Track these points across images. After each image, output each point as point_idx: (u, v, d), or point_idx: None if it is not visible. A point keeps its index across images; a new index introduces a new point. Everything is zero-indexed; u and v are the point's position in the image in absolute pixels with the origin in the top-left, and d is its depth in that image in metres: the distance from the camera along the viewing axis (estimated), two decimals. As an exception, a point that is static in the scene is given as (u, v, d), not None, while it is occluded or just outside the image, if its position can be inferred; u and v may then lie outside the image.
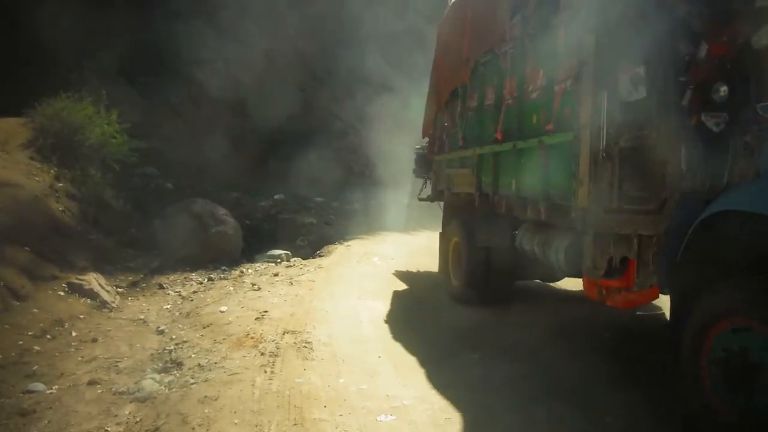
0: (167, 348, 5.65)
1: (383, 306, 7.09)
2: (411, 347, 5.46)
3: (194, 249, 9.91)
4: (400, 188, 17.03)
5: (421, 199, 9.78)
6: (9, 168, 8.64)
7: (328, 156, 16.30)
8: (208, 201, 11.14)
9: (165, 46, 14.57)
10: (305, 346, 5.28)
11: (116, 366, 5.22)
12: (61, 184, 9.28)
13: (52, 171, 9.39)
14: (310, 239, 12.77)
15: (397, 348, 5.48)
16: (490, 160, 6.31)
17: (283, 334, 5.66)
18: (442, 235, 8.19)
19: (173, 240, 9.89)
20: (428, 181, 9.46)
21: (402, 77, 17.35)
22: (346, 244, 11.83)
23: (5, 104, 10.07)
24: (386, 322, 6.37)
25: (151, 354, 5.57)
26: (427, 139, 9.48)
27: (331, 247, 11.49)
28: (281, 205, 14.70)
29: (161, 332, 6.27)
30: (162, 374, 4.95)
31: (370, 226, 13.87)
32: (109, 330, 6.28)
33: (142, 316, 6.91)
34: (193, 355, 5.27)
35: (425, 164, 9.44)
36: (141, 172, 12.65)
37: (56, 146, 9.80)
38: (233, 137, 15.72)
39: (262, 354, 5.08)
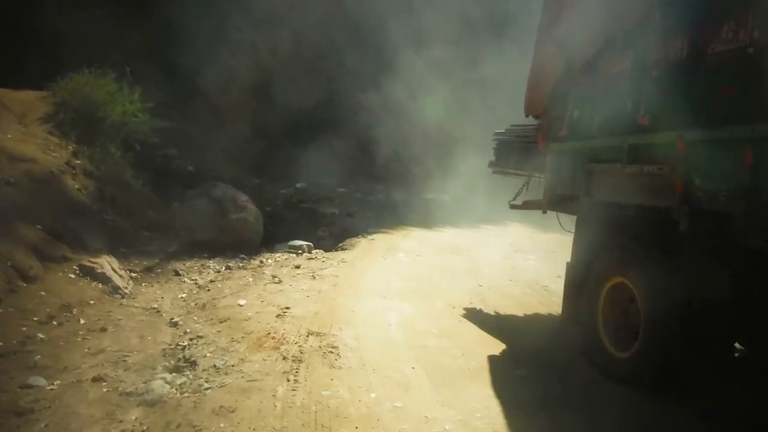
0: (180, 343, 5.21)
1: (411, 307, 6.59)
2: (444, 355, 4.98)
3: (213, 235, 9.47)
4: (424, 182, 16.62)
5: (514, 207, 7.23)
6: (25, 141, 8.26)
7: (352, 146, 15.86)
8: (229, 186, 10.69)
9: (193, 27, 14.16)
10: (331, 351, 4.81)
11: (124, 361, 4.79)
12: (78, 161, 8.88)
13: (70, 147, 8.99)
14: (332, 230, 12.32)
15: (431, 356, 4.99)
16: (737, 150, 3.53)
17: (307, 335, 5.19)
18: (573, 267, 5.59)
19: (192, 224, 9.47)
20: (527, 181, 7.28)
21: (432, 70, 16.87)
22: (369, 237, 11.35)
23: (27, 79, 9.70)
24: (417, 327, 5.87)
25: (163, 349, 5.13)
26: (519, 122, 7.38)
27: (354, 240, 11.02)
28: (303, 194, 14.25)
29: (175, 324, 5.84)
30: (174, 374, 4.51)
31: (394, 219, 13.41)
32: (120, 319, 5.85)
33: (156, 305, 6.48)
34: (208, 354, 4.83)
35: (518, 156, 7.14)
36: (162, 153, 12.25)
37: (76, 121, 9.40)
38: (257, 122, 15.32)
39: (285, 358, 4.62)
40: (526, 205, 6.99)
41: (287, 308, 6.05)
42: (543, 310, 7.04)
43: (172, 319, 5.98)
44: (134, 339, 5.35)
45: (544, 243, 12.72)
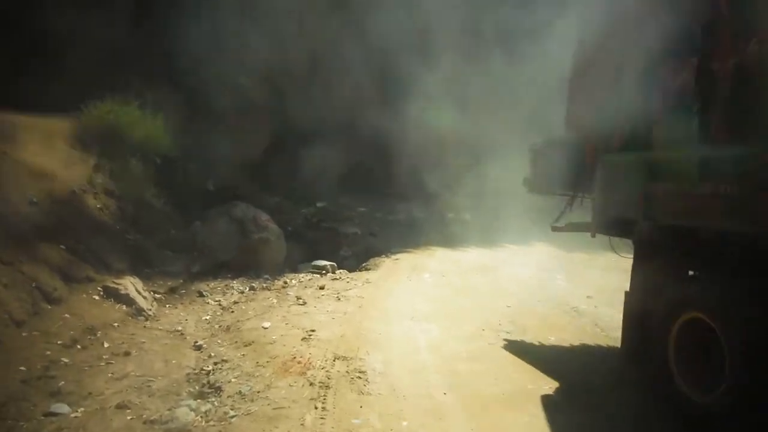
0: (205, 368, 5.10)
1: (439, 330, 6.42)
2: (477, 380, 4.79)
3: (235, 254, 9.41)
4: (445, 201, 16.44)
5: (557, 229, 6.64)
6: (46, 156, 8.21)
7: (372, 164, 15.78)
8: (250, 205, 10.65)
9: (206, 48, 14.22)
10: (360, 377, 4.66)
11: (149, 386, 4.68)
12: (99, 180, 8.84)
13: (91, 161, 8.97)
14: (355, 250, 12.19)
15: (463, 381, 4.81)
16: None
17: (334, 360, 5.05)
18: (634, 298, 5.03)
19: (214, 244, 9.42)
20: (571, 201, 6.43)
21: (451, 89, 16.75)
22: (393, 257, 11.20)
23: (51, 103, 9.73)
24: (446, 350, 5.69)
25: (188, 374, 5.02)
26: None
27: (377, 260, 10.87)
28: (324, 213, 14.17)
29: (199, 348, 5.74)
30: (198, 401, 4.39)
31: (416, 239, 13.26)
32: (144, 342, 5.76)
33: (180, 328, 6.39)
34: (233, 380, 4.70)
35: (559, 171, 6.31)
36: (183, 168, 12.22)
37: (99, 137, 9.43)
38: (276, 141, 15.28)
39: (311, 384, 4.48)
40: (571, 228, 6.39)
41: (313, 331, 5.91)
42: (573, 332, 6.81)
43: (196, 342, 5.88)
44: (158, 363, 5.26)
45: (570, 263, 12.48)
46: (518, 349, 5.90)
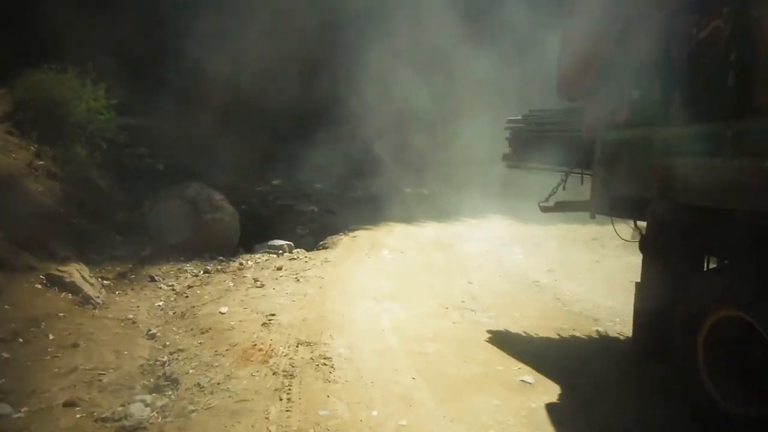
0: (160, 358, 4.83)
1: (403, 309, 6.29)
2: (445, 362, 4.68)
3: (188, 236, 9.04)
4: (402, 176, 16.30)
5: (547, 209, 6.10)
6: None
7: (327, 141, 15.48)
8: (204, 185, 10.25)
9: (159, 20, 13.55)
10: (325, 363, 4.48)
11: (99, 381, 4.40)
12: (41, 162, 8.34)
13: (31, 147, 8.44)
14: (312, 228, 11.94)
15: (431, 364, 4.69)
16: None
17: (297, 345, 4.85)
18: (648, 291, 4.25)
19: (166, 226, 9.01)
20: (565, 178, 5.95)
21: (407, 64, 16.50)
22: (351, 234, 11.00)
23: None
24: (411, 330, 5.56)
25: (141, 365, 4.75)
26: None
27: (335, 238, 10.66)
28: (279, 191, 13.83)
29: (153, 336, 5.45)
30: (154, 395, 4.14)
31: (374, 215, 13.07)
32: (92, 332, 5.43)
33: (131, 315, 6.06)
34: (191, 370, 4.46)
35: (543, 147, 5.97)
36: (131, 151, 11.69)
37: (37, 120, 8.83)
38: (229, 118, 14.78)
39: (275, 373, 4.27)
40: (563, 208, 5.95)
41: (273, 315, 5.69)
42: (536, 307, 6.79)
43: (150, 330, 5.59)
44: (109, 355, 4.96)
45: (527, 235, 12.54)
46: (483, 327, 5.82)
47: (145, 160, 11.94)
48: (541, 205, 6.03)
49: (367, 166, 16.54)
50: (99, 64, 10.09)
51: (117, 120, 10.04)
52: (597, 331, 5.90)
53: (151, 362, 4.78)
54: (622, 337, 5.66)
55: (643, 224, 4.58)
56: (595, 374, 4.56)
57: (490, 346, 5.20)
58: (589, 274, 8.85)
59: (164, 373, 4.48)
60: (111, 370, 4.60)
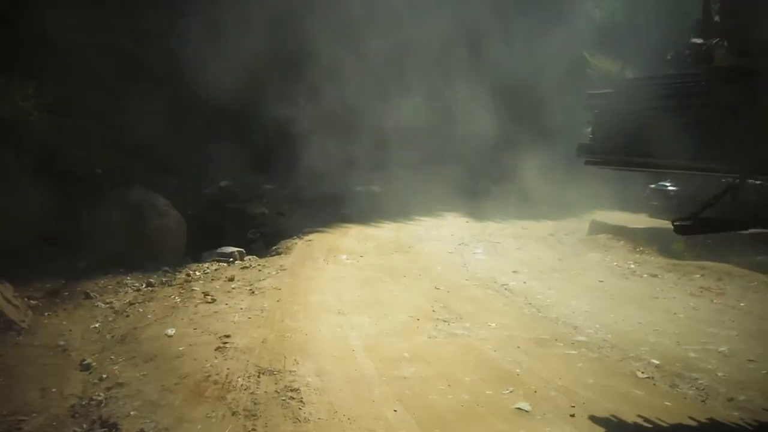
0: (95, 396, 4.12)
1: (372, 324, 5.75)
2: (427, 388, 4.15)
3: (129, 246, 8.22)
4: (353, 174, 15.73)
5: (686, 230, 4.28)
6: None
7: (276, 139, 14.82)
8: (147, 189, 9.43)
9: (93, 13, 12.55)
10: (292, 397, 3.88)
11: (18, 429, 3.67)
12: (-43, 168, 7.40)
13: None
14: (263, 231, 11.27)
15: (412, 391, 4.14)
16: None
17: (258, 375, 4.23)
18: None
19: (104, 235, 8.17)
20: (735, 183, 3.98)
21: (355, 59, 15.98)
22: (305, 238, 10.40)
23: None
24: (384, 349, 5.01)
25: (72, 406, 4.05)
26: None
27: (289, 243, 10.03)
28: (228, 193, 13.03)
29: (87, 367, 4.73)
30: (88, 447, 3.45)
31: (328, 216, 12.52)
32: (14, 365, 4.68)
33: (62, 342, 5.30)
34: (132, 412, 3.78)
35: (666, 133, 3.52)
36: (64, 154, 10.70)
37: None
38: (170, 116, 13.87)
39: (234, 413, 3.65)
40: (711, 227, 4.24)
41: (227, 337, 5.04)
42: (512, 314, 6.37)
43: (84, 360, 4.85)
44: (33, 393, 4.23)
45: (485, 234, 12.26)
46: (461, 341, 5.34)
47: (80, 163, 10.98)
48: (676, 224, 4.15)
49: (316, 164, 15.94)
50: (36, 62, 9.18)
51: (49, 120, 9.09)
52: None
53: (84, 402, 4.08)
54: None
55: None
56: (591, 400, 4.10)
57: (473, 365, 4.69)
58: (555, 275, 8.56)
59: (100, 417, 3.79)
60: (35, 415, 3.88)
